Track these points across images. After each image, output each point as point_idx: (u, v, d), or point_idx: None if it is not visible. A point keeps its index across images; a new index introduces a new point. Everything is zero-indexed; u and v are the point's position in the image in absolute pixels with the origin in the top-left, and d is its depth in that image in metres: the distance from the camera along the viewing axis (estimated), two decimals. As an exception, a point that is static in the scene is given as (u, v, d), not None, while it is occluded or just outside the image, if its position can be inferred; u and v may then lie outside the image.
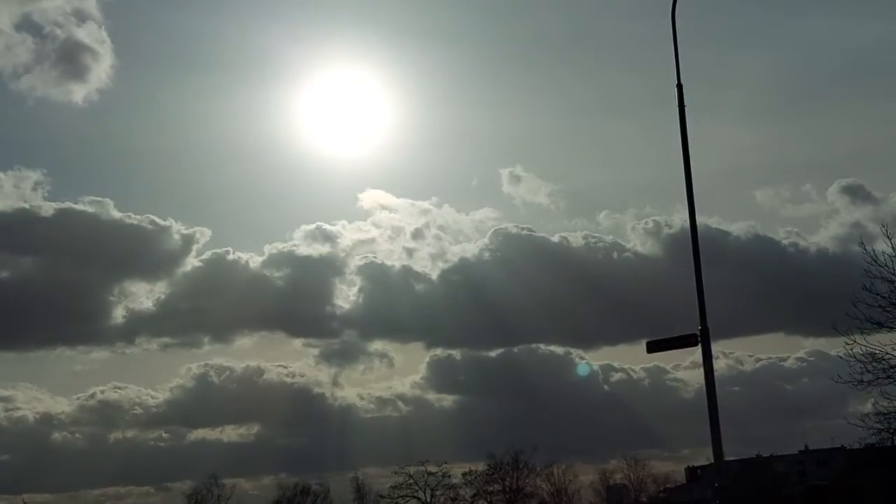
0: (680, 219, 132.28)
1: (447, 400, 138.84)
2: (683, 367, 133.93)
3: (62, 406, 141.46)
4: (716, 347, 22.72)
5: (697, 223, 22.92)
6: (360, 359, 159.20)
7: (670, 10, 23.28)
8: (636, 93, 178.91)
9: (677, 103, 23.24)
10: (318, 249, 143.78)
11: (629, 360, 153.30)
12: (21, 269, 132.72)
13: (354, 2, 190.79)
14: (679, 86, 23.26)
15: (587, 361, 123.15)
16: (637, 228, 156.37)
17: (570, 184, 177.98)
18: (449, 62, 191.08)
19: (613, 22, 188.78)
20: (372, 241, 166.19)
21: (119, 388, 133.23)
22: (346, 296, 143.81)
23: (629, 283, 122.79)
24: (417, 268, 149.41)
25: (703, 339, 22.09)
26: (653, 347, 23.13)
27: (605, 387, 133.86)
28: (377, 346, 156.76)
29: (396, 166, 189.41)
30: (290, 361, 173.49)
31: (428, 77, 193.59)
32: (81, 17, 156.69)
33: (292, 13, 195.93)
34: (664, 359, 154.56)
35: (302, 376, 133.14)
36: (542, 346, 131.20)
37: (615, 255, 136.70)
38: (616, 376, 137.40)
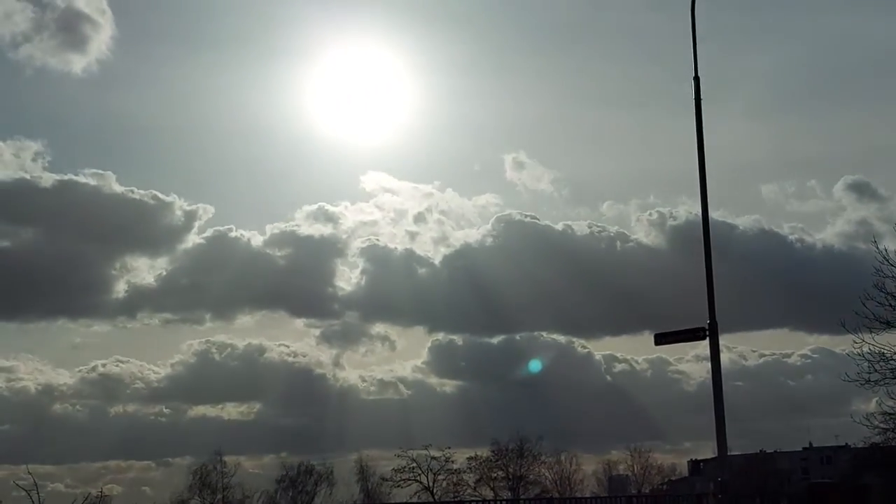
0: (685, 211, 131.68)
1: (448, 385, 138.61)
2: (686, 360, 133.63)
3: (64, 378, 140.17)
4: (720, 341, 22.56)
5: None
6: (361, 341, 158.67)
7: (690, 4, 23.16)
8: (642, 84, 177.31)
9: (694, 96, 23.07)
10: (320, 230, 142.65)
11: (632, 350, 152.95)
12: (21, 240, 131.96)
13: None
14: (696, 78, 23.13)
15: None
16: (641, 219, 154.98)
17: (574, 172, 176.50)
18: (455, 46, 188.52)
19: (621, 12, 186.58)
20: (374, 223, 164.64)
21: (121, 362, 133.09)
22: (348, 277, 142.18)
23: (633, 273, 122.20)
24: (420, 252, 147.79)
25: (711, 333, 22.04)
26: (661, 340, 23.07)
27: (608, 377, 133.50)
28: (379, 328, 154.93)
29: (399, 149, 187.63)
30: (292, 341, 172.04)
31: (433, 60, 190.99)
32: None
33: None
34: (667, 351, 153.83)
35: (304, 356, 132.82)
36: (544, 334, 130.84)
37: (619, 245, 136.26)
38: (619, 367, 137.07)
